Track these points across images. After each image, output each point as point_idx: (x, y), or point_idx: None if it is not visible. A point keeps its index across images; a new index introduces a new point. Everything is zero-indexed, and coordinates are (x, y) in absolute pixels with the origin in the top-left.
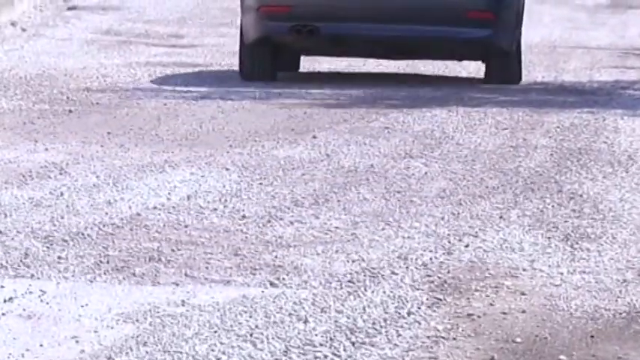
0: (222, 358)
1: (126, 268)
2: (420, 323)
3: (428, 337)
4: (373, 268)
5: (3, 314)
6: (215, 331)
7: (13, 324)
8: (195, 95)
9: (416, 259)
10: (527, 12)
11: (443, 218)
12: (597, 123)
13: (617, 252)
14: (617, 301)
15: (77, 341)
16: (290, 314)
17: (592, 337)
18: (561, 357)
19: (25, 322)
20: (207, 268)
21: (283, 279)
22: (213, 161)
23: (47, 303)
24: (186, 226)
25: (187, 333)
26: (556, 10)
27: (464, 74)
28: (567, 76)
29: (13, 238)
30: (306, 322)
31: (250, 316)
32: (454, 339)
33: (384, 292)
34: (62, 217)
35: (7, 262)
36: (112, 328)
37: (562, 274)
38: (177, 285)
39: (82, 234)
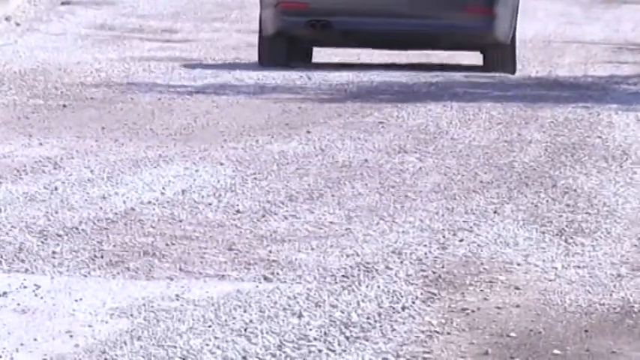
0: (217, 353)
1: (120, 262)
2: (414, 318)
3: (422, 331)
4: (367, 263)
5: None
6: (209, 326)
7: (8, 318)
8: (190, 90)
9: (410, 254)
10: (522, 7)
11: (437, 213)
12: (591, 118)
13: (611, 247)
14: (611, 295)
15: (71, 336)
16: (284, 309)
17: (586, 331)
18: (555, 351)
19: (20, 317)
20: (201, 262)
21: (277, 274)
22: (208, 156)
23: (41, 297)
24: (180, 221)
25: (181, 327)
26: (550, 5)
27: (464, 63)
28: (561, 71)
29: (7, 233)
30: (300, 316)
31: (244, 311)
32: (448, 333)
33: (379, 287)
34: (56, 212)
35: (1, 256)
36: (106, 322)
37: (556, 268)
38: (172, 279)
39: (77, 229)
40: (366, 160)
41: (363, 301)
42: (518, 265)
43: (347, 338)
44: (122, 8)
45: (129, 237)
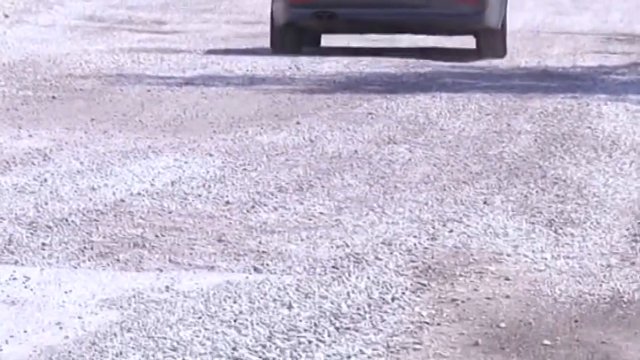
0: (207, 344)
1: (110, 254)
2: (404, 309)
3: (412, 322)
4: (357, 254)
5: None
6: (199, 317)
7: None
8: (179, 81)
9: (400, 245)
10: None
11: (427, 204)
12: (581, 108)
13: (601, 237)
14: (600, 286)
15: (61, 327)
16: (274, 300)
17: (576, 321)
18: (545, 342)
19: (9, 308)
20: (191, 254)
21: (267, 265)
22: (197, 147)
23: (31, 289)
24: (170, 212)
25: (171, 319)
26: None
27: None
28: (550, 62)
29: None
30: (290, 307)
31: (234, 302)
32: (438, 324)
33: (369, 278)
34: (46, 204)
35: None
36: (96, 314)
37: (546, 259)
38: (162, 271)
39: (66, 220)
40: (355, 151)
41: (352, 292)
42: (508, 255)
43: (337, 329)
44: (111, 0)
45: (118, 228)
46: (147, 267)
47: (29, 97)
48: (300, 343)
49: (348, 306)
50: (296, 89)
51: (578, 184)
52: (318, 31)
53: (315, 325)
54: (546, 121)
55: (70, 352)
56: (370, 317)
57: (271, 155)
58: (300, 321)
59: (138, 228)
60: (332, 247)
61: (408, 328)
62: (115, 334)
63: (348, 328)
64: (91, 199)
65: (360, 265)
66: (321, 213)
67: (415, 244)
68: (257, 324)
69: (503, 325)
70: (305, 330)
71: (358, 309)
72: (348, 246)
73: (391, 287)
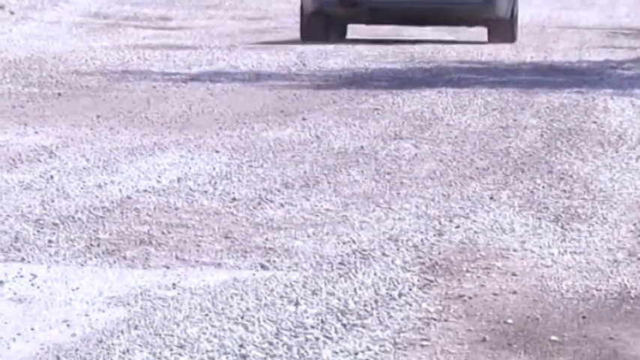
0: (214, 341)
1: (116, 251)
2: (411, 305)
3: (419, 318)
4: (364, 250)
5: None
6: (206, 314)
7: (4, 308)
8: (185, 77)
9: (407, 241)
10: None
11: (433, 199)
12: (587, 103)
13: (607, 232)
14: (608, 281)
15: (68, 325)
16: (281, 297)
17: (583, 317)
18: (553, 338)
19: (16, 306)
20: (197, 251)
21: (274, 261)
22: (203, 144)
23: (38, 287)
24: (176, 209)
25: (178, 316)
26: None
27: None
28: (556, 56)
29: (3, 222)
30: (297, 304)
31: (241, 299)
32: (445, 320)
33: (375, 274)
34: (52, 201)
35: None
36: (103, 311)
37: (553, 254)
38: (168, 268)
39: (73, 217)
40: (361, 147)
41: (359, 288)
42: (515, 251)
43: (344, 326)
44: None
45: (125, 225)
46: (153, 264)
47: (35, 94)
48: (307, 339)
49: (355, 302)
50: (302, 85)
51: (585, 179)
52: (343, 19)
53: (322, 321)
54: (552, 116)
55: (77, 349)
56: (377, 314)
57: (277, 151)
58: (307, 318)
59: (144, 225)
60: (339, 243)
61: (415, 324)
62: (122, 332)
63: (355, 325)
64: (97, 196)
65: (366, 261)
66: (327, 209)
67: (422, 240)
68: (264, 321)
69: (510, 321)
70: (312, 327)
71: (365, 305)
72: (354, 242)
73: (398, 283)
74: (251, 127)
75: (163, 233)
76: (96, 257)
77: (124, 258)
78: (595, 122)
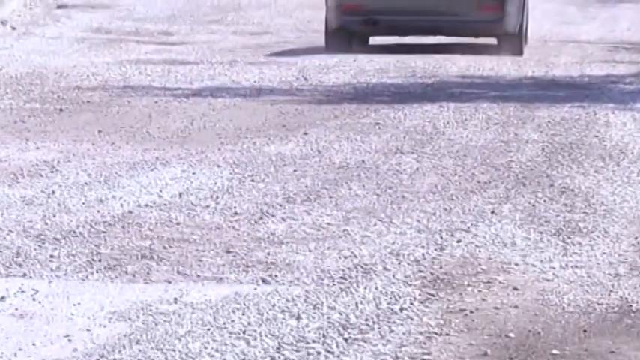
0: (216, 356)
1: (118, 266)
2: (412, 319)
3: (421, 332)
4: (365, 264)
5: None
6: (208, 329)
7: (6, 323)
8: (186, 93)
9: (408, 255)
10: None
11: (435, 214)
12: (588, 117)
13: (609, 246)
14: (609, 295)
15: (70, 340)
16: (283, 311)
17: (584, 331)
18: (554, 351)
19: (18, 321)
20: (199, 265)
21: (276, 276)
22: (205, 158)
23: (39, 302)
24: (177, 224)
25: (180, 331)
26: (546, 4)
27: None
28: (558, 71)
29: (4, 237)
30: (298, 318)
31: (243, 313)
32: (447, 334)
33: (377, 288)
34: (54, 216)
35: None
36: (104, 326)
37: (554, 268)
38: (170, 282)
39: (74, 232)
40: (363, 162)
41: (361, 302)
42: (516, 265)
43: (345, 340)
44: (118, 11)
45: (126, 240)
46: (155, 279)
47: (36, 109)
48: (308, 354)
49: (357, 316)
50: (303, 100)
51: (586, 193)
52: (364, 34)
53: (324, 335)
54: (554, 131)
55: None
56: (379, 328)
57: (279, 166)
58: (309, 332)
59: (146, 240)
60: (340, 257)
61: (417, 338)
62: (124, 346)
63: (357, 339)
64: (98, 211)
65: (368, 275)
66: (329, 223)
67: (423, 254)
68: (266, 335)
69: (512, 335)
70: (314, 341)
71: (367, 319)
72: (356, 256)
73: (399, 297)
74: (252, 142)
75: (165, 248)
76: (97, 272)
77: (126, 273)
78: (596, 136)
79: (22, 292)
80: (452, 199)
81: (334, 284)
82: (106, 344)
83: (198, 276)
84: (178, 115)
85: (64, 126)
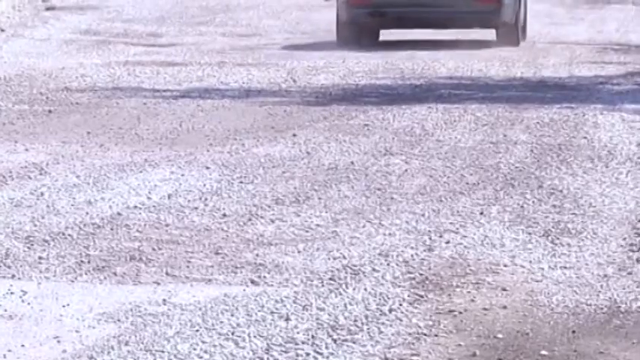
0: (204, 357)
1: (107, 267)
2: (401, 320)
3: (409, 333)
4: (354, 266)
5: None
6: (197, 330)
7: None
8: (175, 94)
9: (397, 256)
10: None
11: (423, 215)
12: (577, 118)
13: (597, 247)
14: (598, 296)
15: (59, 341)
16: (272, 312)
17: (573, 332)
18: (543, 352)
19: (7, 323)
20: (188, 267)
21: (264, 277)
22: (194, 160)
23: (28, 303)
24: (166, 225)
25: (169, 332)
26: (535, 6)
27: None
28: (546, 72)
29: None
30: (287, 319)
31: (232, 315)
32: (436, 335)
33: (366, 290)
34: (43, 217)
35: None
36: (93, 327)
37: (543, 269)
38: (159, 284)
39: (63, 234)
40: (352, 163)
41: (350, 303)
42: (505, 266)
43: (334, 341)
44: (107, 13)
45: (115, 242)
46: (144, 280)
47: (25, 111)
48: (297, 355)
49: (346, 318)
50: (292, 101)
51: (575, 194)
52: (372, 26)
53: (313, 337)
54: (542, 132)
55: None
56: (368, 329)
57: (268, 167)
58: (298, 333)
59: (135, 241)
60: (329, 258)
61: (406, 339)
62: (113, 348)
63: (346, 340)
64: (87, 213)
65: (357, 276)
66: (317, 225)
67: (412, 256)
68: (254, 337)
69: (500, 335)
70: (303, 342)
71: (355, 321)
72: (345, 258)
73: (388, 299)
74: (241, 144)
75: (154, 249)
76: (86, 274)
77: (115, 274)
78: (585, 137)
79: (11, 293)
80: (441, 200)
81: (323, 285)
82: (94, 345)
83: (187, 277)
84: (167, 117)
85: (52, 127)
